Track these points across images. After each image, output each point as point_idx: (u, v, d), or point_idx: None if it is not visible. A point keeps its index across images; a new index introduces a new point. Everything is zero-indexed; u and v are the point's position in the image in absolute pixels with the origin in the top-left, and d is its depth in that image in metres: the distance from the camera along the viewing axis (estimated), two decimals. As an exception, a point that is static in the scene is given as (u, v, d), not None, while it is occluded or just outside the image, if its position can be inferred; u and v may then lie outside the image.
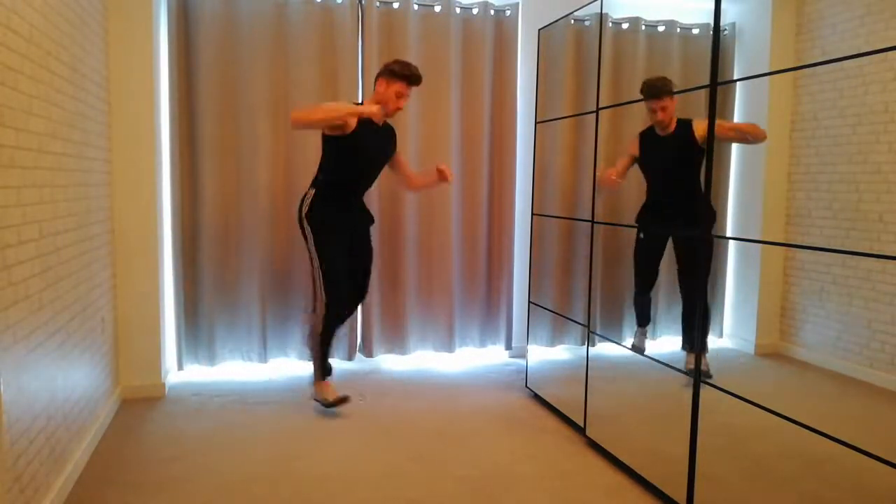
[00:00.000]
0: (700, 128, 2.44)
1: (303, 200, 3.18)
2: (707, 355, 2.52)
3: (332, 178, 3.15)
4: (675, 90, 2.73)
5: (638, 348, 2.97)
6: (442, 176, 3.24)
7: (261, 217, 3.74)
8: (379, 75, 3.15)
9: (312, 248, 3.14)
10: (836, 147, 2.22)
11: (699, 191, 2.25)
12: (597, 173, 2.93)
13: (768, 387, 2.53)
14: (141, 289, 3.37)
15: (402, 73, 3.06)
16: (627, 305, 3.25)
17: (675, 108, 2.71)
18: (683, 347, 2.69)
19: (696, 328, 2.28)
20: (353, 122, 3.02)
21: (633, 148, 2.95)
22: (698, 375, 2.22)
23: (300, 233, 3.21)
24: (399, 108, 3.14)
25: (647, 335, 2.98)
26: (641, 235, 2.99)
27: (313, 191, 3.15)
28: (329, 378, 3.28)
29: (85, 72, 2.75)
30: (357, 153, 3.11)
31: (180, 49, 3.57)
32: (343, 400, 3.19)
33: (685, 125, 2.69)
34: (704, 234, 2.22)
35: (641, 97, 2.76)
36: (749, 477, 2.36)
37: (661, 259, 2.97)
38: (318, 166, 3.22)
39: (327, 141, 3.12)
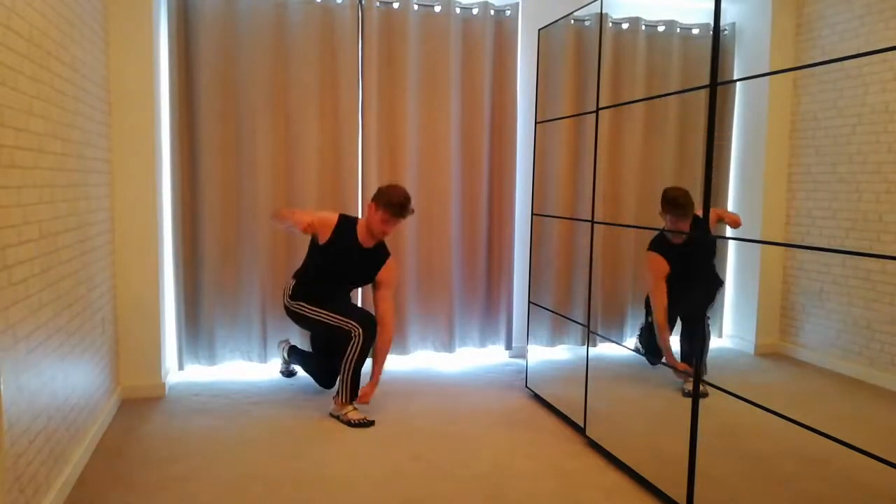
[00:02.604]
0: (712, 219, 2.35)
1: (284, 293, 3.33)
2: (718, 341, 2.55)
3: (311, 276, 3.26)
4: (693, 209, 2.59)
5: (644, 351, 2.91)
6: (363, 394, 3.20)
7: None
8: (373, 198, 3.15)
9: (310, 315, 3.20)
10: (836, 147, 2.22)
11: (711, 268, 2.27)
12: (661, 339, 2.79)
13: (768, 387, 2.53)
14: (141, 289, 3.37)
15: (389, 205, 3.08)
16: (627, 305, 3.26)
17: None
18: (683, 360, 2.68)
19: (698, 330, 2.28)
20: (323, 234, 3.16)
21: (662, 265, 2.79)
22: (698, 375, 2.22)
23: (293, 321, 3.32)
24: (386, 233, 3.19)
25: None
26: (650, 320, 2.93)
27: (293, 281, 3.29)
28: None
29: (85, 72, 2.75)
30: (329, 265, 3.21)
31: (180, 49, 3.57)
32: (367, 423, 3.11)
33: (700, 224, 2.52)
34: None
35: (645, 95, 2.74)
36: (749, 477, 2.36)
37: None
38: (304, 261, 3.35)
39: (311, 238, 3.27)
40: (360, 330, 3.12)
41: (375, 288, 3.29)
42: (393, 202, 3.07)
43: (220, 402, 3.35)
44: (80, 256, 2.63)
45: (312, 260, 3.27)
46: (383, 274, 3.25)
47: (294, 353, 3.62)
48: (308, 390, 3.54)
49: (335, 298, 3.30)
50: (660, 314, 2.81)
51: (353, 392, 3.15)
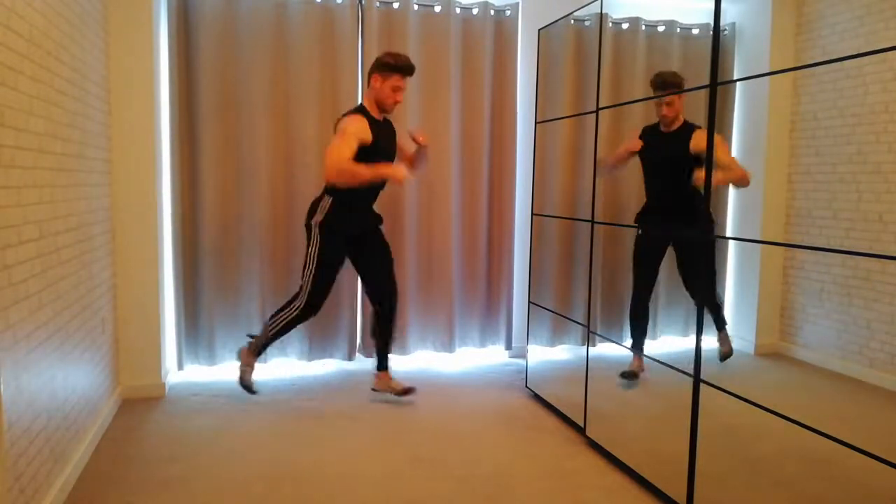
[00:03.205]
0: (697, 140, 2.44)
1: (315, 207, 3.18)
2: (727, 332, 2.62)
3: (354, 196, 3.15)
4: (683, 87, 2.72)
5: (631, 374, 2.94)
6: (416, 140, 3.24)
7: (261, 216, 3.73)
8: (372, 71, 3.12)
9: (314, 252, 3.16)
10: (836, 147, 2.22)
11: (696, 194, 2.25)
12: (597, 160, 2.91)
13: (768, 387, 2.54)
14: (141, 289, 3.37)
15: (397, 66, 3.03)
16: (627, 305, 3.26)
17: (681, 107, 2.70)
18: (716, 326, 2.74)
19: (698, 330, 2.28)
20: (366, 136, 3.04)
21: (634, 144, 2.94)
22: (698, 375, 2.22)
23: (304, 233, 3.23)
24: (398, 102, 3.13)
25: (643, 367, 2.94)
26: (640, 232, 2.99)
27: (330, 199, 3.14)
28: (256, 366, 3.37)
29: (85, 72, 2.75)
30: (377, 158, 3.07)
31: (180, 49, 3.57)
32: (251, 390, 3.30)
33: (688, 129, 2.68)
34: (703, 235, 2.22)
35: (645, 95, 2.76)
36: (749, 477, 2.36)
37: (660, 261, 2.97)
38: None
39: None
40: (302, 305, 3.15)
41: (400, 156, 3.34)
42: (401, 63, 3.04)
43: (220, 402, 3.35)
44: (80, 256, 2.63)
45: (361, 162, 2.99)
46: (400, 141, 3.32)
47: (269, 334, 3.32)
48: (308, 390, 3.54)
49: (361, 228, 3.26)
50: (603, 161, 2.91)
51: (261, 350, 3.30)
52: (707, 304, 2.26)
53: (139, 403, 3.30)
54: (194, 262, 3.71)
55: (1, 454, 1.78)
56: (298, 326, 3.31)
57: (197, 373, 3.77)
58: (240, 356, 3.36)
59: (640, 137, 2.90)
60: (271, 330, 3.24)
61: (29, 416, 2.03)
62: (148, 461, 2.65)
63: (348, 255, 3.30)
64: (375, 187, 3.23)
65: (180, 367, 3.74)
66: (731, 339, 2.71)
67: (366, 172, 2.95)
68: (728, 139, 2.65)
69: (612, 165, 3.00)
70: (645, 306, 3.04)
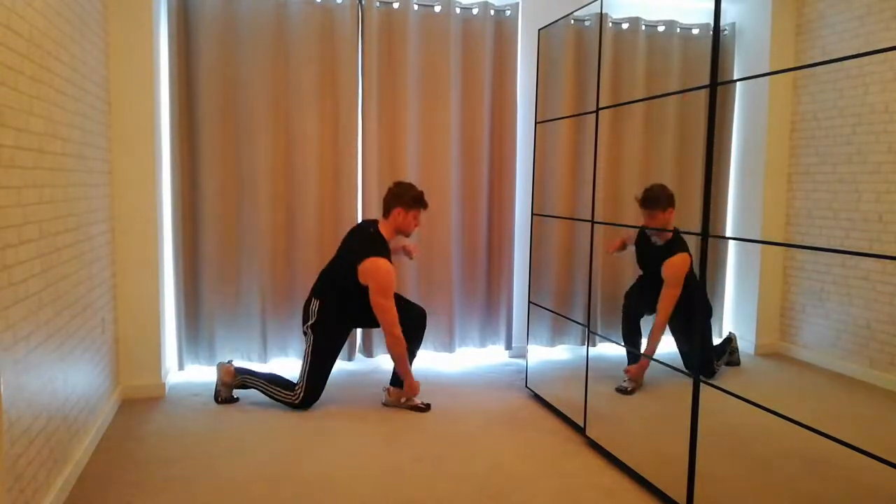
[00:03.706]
0: (667, 268, 2.55)
1: (307, 311, 3.29)
2: (716, 341, 2.63)
3: (346, 301, 3.26)
4: (672, 200, 2.70)
5: (625, 391, 2.93)
6: (407, 254, 3.49)
7: (261, 215, 3.73)
8: (395, 204, 3.21)
9: (309, 350, 3.25)
10: (836, 147, 2.22)
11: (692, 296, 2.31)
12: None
13: (768, 387, 2.54)
14: (141, 289, 3.37)
15: (418, 201, 3.23)
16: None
17: (667, 221, 2.68)
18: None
19: (697, 330, 2.28)
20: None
21: (628, 238, 2.97)
22: (698, 375, 2.22)
23: (302, 336, 3.37)
24: (417, 226, 3.31)
25: (640, 381, 2.92)
26: (629, 302, 3.02)
27: (318, 302, 3.25)
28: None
29: (85, 72, 2.75)
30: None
31: (180, 49, 3.57)
32: (229, 400, 3.35)
33: (669, 252, 2.66)
34: (699, 311, 2.21)
35: (645, 95, 2.76)
36: (749, 477, 2.36)
37: (648, 314, 2.94)
38: (331, 282, 3.28)
39: (359, 286, 3.16)
40: (300, 399, 3.24)
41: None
42: (419, 198, 3.24)
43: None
44: (79, 256, 2.63)
45: (359, 298, 3.18)
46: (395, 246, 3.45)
47: (252, 374, 3.38)
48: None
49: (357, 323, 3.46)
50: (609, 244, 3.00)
51: (240, 386, 3.36)
52: (699, 369, 2.26)
53: (139, 403, 3.30)
54: (194, 262, 3.71)
55: (1, 454, 1.78)
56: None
57: (197, 373, 3.76)
58: (220, 371, 3.33)
59: (638, 238, 2.92)
60: (265, 386, 3.31)
61: (29, 416, 2.03)
62: (148, 461, 2.65)
63: (357, 326, 3.51)
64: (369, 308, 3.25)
65: (180, 367, 3.74)
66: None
67: (407, 369, 3.27)
68: (728, 139, 2.65)
69: (614, 251, 3.07)
70: (637, 326, 3.01)
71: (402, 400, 3.33)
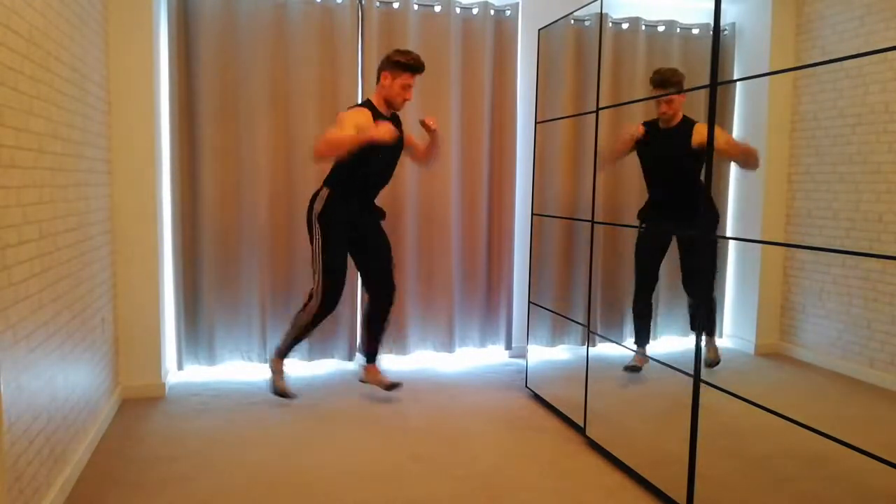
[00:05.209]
0: (699, 135, 2.43)
1: (315, 199, 3.19)
2: (717, 341, 2.61)
3: (349, 177, 3.15)
4: (683, 87, 2.72)
5: (634, 368, 2.94)
6: (426, 127, 3.24)
7: (261, 216, 3.73)
8: (382, 68, 3.13)
9: (318, 247, 3.17)
10: (836, 147, 2.22)
11: (699, 190, 2.24)
12: (598, 151, 2.91)
13: (768, 387, 2.54)
14: (141, 288, 3.37)
15: (407, 64, 3.06)
16: (628, 305, 3.25)
17: (681, 104, 2.70)
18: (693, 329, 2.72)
19: (698, 329, 2.28)
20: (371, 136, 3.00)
21: (637, 129, 2.92)
22: (698, 375, 2.22)
23: (307, 229, 3.24)
24: (407, 100, 3.14)
25: (646, 358, 2.95)
26: (643, 227, 2.99)
27: (327, 190, 3.16)
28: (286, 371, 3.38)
29: (85, 72, 2.75)
30: (376, 152, 3.06)
31: (180, 49, 3.57)
32: (287, 395, 3.29)
33: (688, 125, 2.69)
34: (706, 233, 2.22)
35: (645, 94, 2.76)
36: (749, 477, 2.36)
37: (663, 257, 2.97)
38: (332, 165, 3.20)
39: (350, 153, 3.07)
40: (319, 302, 3.14)
41: (408, 150, 3.35)
42: (412, 62, 3.06)
43: (220, 402, 3.35)
44: (79, 256, 2.63)
45: (359, 154, 3.00)
46: (407, 136, 3.30)
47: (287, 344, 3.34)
48: (307, 391, 3.54)
49: (361, 220, 3.26)
50: (607, 151, 2.91)
51: (288, 350, 3.29)
52: (703, 302, 2.26)
53: (139, 403, 3.30)
54: (194, 262, 3.71)
55: (1, 454, 1.78)
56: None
57: (197, 373, 3.77)
58: (271, 365, 3.36)
59: (645, 132, 2.91)
60: (294, 332, 3.26)
61: (29, 416, 2.03)
62: (148, 461, 2.65)
63: (350, 250, 3.30)
64: (375, 181, 3.23)
65: (180, 367, 3.74)
66: (719, 350, 2.71)
67: (352, 138, 2.91)
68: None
69: (617, 157, 3.00)
70: (648, 303, 3.04)
71: (376, 379, 3.39)
